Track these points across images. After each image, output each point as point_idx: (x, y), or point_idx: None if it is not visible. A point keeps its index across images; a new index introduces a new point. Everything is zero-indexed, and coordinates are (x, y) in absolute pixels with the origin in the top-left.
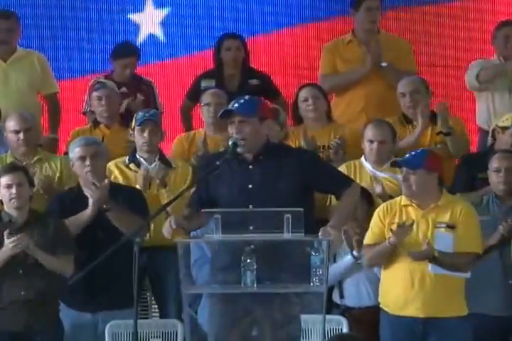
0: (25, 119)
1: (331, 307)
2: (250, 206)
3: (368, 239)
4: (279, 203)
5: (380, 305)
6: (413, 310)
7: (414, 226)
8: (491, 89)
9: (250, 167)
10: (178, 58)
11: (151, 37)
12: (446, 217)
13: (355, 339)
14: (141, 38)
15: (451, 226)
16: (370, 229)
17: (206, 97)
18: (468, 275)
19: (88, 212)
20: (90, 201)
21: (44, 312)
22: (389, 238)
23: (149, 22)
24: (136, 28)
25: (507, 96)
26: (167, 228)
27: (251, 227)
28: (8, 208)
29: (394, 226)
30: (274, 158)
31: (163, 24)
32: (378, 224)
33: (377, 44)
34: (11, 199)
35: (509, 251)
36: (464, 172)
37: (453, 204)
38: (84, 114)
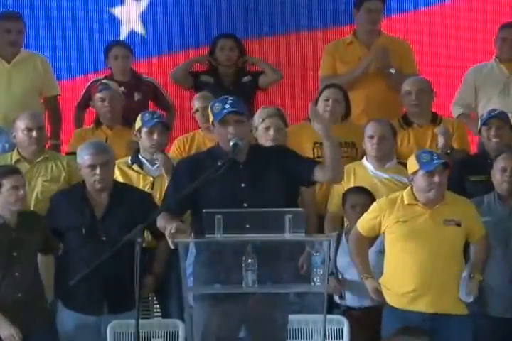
0: (37, 118)
1: (332, 308)
2: (244, 204)
3: (361, 227)
4: (272, 201)
5: (389, 306)
6: (422, 305)
7: (423, 222)
8: (487, 90)
9: (241, 166)
10: (160, 56)
11: (133, 33)
12: (453, 215)
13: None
14: (123, 34)
15: (458, 224)
16: (366, 216)
17: (193, 103)
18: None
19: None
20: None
21: (42, 313)
22: (367, 278)
23: (131, 17)
24: (117, 23)
25: (503, 97)
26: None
27: (248, 226)
28: (3, 209)
29: (398, 225)
30: (260, 157)
31: (144, 19)
32: (374, 216)
33: (385, 51)
34: (16, 201)
35: None
36: (456, 175)
37: (456, 200)
38: (77, 108)
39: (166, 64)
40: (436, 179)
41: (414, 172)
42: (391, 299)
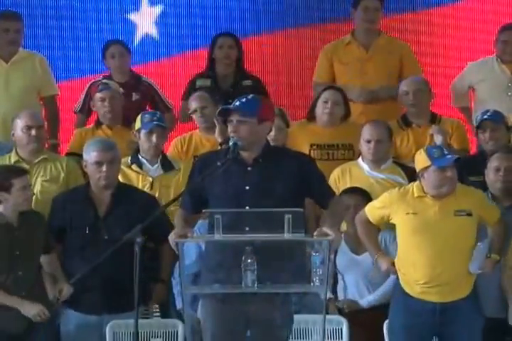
0: (36, 117)
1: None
2: (246, 207)
3: (369, 214)
4: (274, 206)
5: (401, 289)
6: (433, 296)
7: (433, 214)
8: (488, 90)
9: (249, 169)
10: (171, 57)
11: (147, 36)
12: (463, 205)
13: None
14: (138, 37)
15: (469, 214)
16: (375, 204)
17: (191, 103)
18: None
19: None
20: None
21: None
22: (381, 254)
23: (145, 21)
24: (133, 27)
25: (504, 97)
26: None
27: (247, 228)
28: (7, 209)
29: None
30: (274, 161)
31: (158, 22)
32: (382, 205)
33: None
34: (25, 201)
35: (505, 254)
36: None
37: (465, 190)
38: (76, 113)
39: (178, 64)
40: (449, 174)
41: (425, 168)
42: (404, 285)
